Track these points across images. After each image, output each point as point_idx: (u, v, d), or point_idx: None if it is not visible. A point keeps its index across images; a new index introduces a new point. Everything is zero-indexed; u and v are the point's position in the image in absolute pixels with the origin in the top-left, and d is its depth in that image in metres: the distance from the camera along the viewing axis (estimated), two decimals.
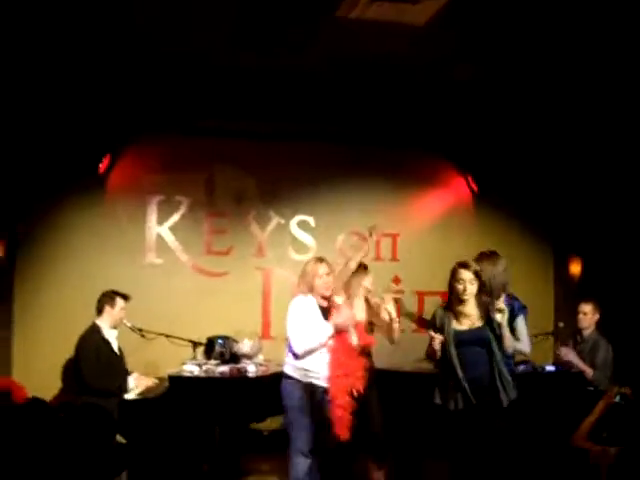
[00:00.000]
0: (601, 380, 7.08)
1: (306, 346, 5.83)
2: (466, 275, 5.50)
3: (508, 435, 5.28)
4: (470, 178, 9.62)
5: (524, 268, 9.59)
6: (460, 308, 5.55)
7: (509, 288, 6.13)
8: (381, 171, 9.28)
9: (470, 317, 5.55)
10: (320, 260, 6.10)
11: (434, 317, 5.65)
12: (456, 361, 5.40)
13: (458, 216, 9.65)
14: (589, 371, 7.07)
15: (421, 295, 9.08)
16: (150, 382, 6.96)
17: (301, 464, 5.81)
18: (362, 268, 6.46)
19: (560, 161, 9.35)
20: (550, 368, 7.42)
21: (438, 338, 5.39)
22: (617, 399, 5.28)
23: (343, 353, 5.94)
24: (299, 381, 5.86)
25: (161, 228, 8.90)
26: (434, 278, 8.06)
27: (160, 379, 6.96)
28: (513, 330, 5.85)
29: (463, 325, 5.54)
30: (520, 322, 6.04)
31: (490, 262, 6.01)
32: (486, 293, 5.67)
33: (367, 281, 6.44)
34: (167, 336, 7.44)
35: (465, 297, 5.50)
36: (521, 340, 5.99)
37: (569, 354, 7.22)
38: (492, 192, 9.57)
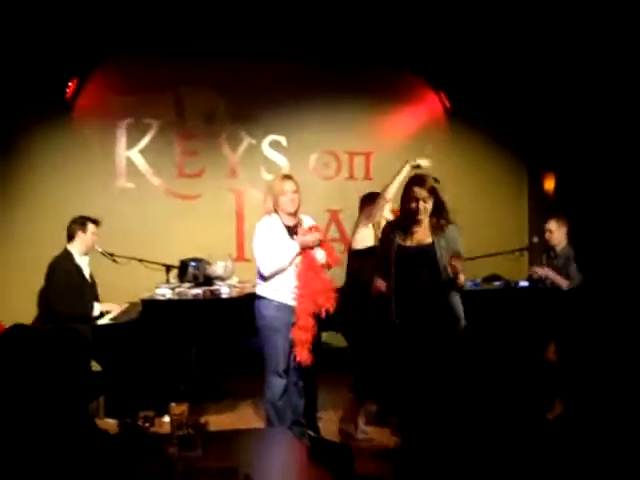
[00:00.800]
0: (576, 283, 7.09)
1: (272, 266, 5.77)
2: (420, 193, 5.12)
3: (459, 360, 5.07)
4: (443, 95, 9.56)
5: (498, 185, 9.65)
6: (412, 228, 5.18)
7: None
8: (353, 89, 9.19)
9: (419, 235, 5.18)
10: (286, 177, 6.01)
11: (383, 234, 5.44)
12: (398, 281, 5.14)
13: (432, 133, 9.54)
14: (564, 283, 7.07)
15: (396, 213, 9.04)
16: (117, 307, 6.95)
17: (276, 384, 5.80)
18: (382, 198, 6.33)
19: (534, 76, 9.26)
20: (524, 284, 7.46)
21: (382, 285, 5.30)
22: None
23: (310, 271, 5.87)
24: (271, 301, 5.81)
25: (131, 152, 8.82)
26: None
27: (133, 304, 6.92)
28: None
29: (410, 242, 5.19)
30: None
31: None
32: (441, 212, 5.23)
33: (386, 210, 6.32)
34: (140, 260, 7.41)
35: (419, 217, 5.12)
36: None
37: (543, 270, 7.22)
38: (466, 108, 9.53)
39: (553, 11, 7.73)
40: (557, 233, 7.29)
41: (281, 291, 5.78)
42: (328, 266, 6.01)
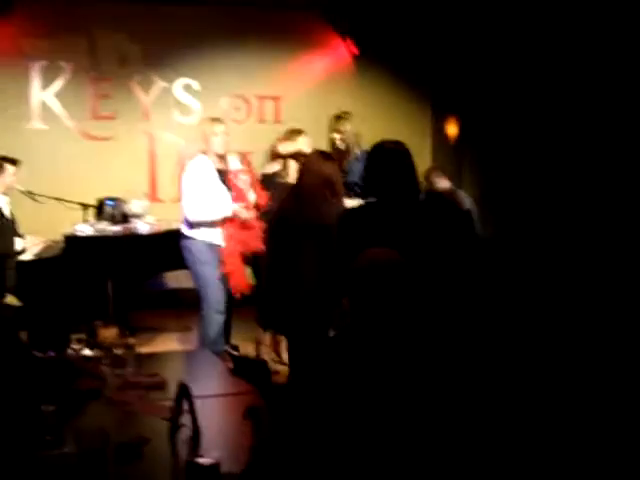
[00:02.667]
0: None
1: (200, 217, 5.93)
2: None
3: None
4: (350, 40, 9.82)
5: (403, 128, 9.93)
6: None
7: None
8: (263, 33, 9.39)
9: None
10: (216, 119, 6.17)
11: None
12: None
13: (339, 78, 9.88)
14: None
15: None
16: (39, 243, 7.11)
17: (217, 320, 5.95)
18: (297, 133, 6.60)
19: (438, 20, 9.60)
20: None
21: None
22: None
23: (237, 228, 6.08)
24: (199, 240, 5.98)
25: (45, 94, 8.91)
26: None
27: (54, 241, 7.06)
28: None
29: None
30: None
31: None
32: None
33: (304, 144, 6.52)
34: (57, 199, 7.50)
35: None
36: None
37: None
38: (372, 53, 9.80)
39: None
40: (439, 185, 7.57)
41: (209, 231, 5.96)
42: (257, 207, 6.21)
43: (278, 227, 4.98)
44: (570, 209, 7.35)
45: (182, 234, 6.08)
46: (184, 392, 2.91)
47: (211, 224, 5.98)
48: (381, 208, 3.96)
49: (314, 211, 4.70)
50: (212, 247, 6.01)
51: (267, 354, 6.50)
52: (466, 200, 7.61)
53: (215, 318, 5.96)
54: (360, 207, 4.35)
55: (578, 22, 7.27)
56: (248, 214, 6.10)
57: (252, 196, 6.22)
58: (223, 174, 6.08)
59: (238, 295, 6.15)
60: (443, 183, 7.46)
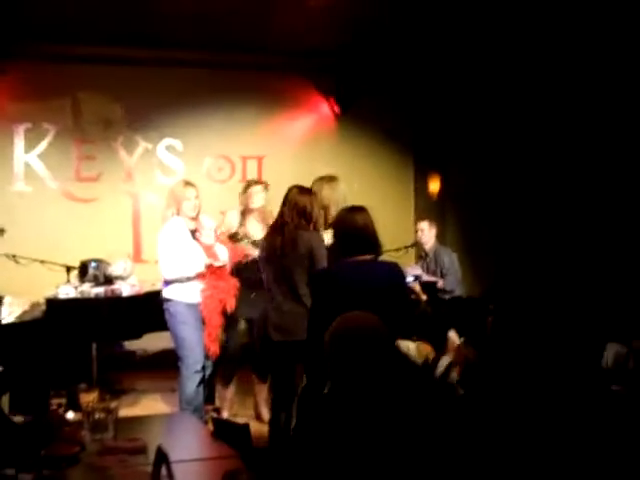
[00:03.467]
0: (453, 284, 7.65)
1: (176, 274, 5.97)
2: None
3: None
4: (332, 99, 9.93)
5: (386, 185, 10.08)
6: None
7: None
8: (246, 94, 9.50)
9: None
10: (188, 183, 6.22)
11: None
12: None
13: (322, 136, 10.00)
14: (440, 280, 7.63)
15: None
16: (24, 304, 7.07)
17: (194, 380, 5.94)
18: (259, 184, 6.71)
19: (422, 78, 9.76)
20: (409, 279, 7.93)
21: None
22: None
23: (214, 277, 6.16)
24: (179, 302, 6.00)
25: (29, 156, 8.96)
26: None
27: (35, 304, 7.02)
28: None
29: None
30: None
31: (330, 187, 5.68)
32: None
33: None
34: (41, 261, 7.50)
35: None
36: None
37: (415, 269, 7.75)
38: (355, 112, 9.92)
39: (440, 11, 7.91)
40: (427, 232, 7.88)
41: (188, 292, 6.01)
42: (233, 264, 6.36)
43: (268, 260, 5.30)
44: (555, 264, 7.41)
45: (163, 297, 6.11)
46: (162, 457, 2.88)
47: (187, 281, 6.01)
48: None
49: (295, 239, 5.12)
50: (191, 307, 6.03)
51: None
52: (450, 256, 7.72)
53: (192, 378, 5.94)
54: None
55: (557, 72, 7.40)
56: (221, 263, 6.18)
57: (222, 250, 6.27)
58: (194, 235, 6.14)
59: (212, 356, 6.18)
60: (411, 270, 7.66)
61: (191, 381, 5.95)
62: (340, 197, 5.57)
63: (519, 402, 3.30)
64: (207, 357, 6.13)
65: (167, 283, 6.06)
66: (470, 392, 3.80)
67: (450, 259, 7.78)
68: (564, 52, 7.28)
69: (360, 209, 4.71)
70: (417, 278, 7.63)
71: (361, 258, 4.47)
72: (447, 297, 7.59)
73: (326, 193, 5.59)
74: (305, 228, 5.18)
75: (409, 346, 4.36)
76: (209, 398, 6.47)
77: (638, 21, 6.35)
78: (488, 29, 7.96)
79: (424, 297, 7.29)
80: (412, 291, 6.61)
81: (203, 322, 6.08)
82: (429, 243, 7.93)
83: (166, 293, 6.07)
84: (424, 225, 7.96)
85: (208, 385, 6.31)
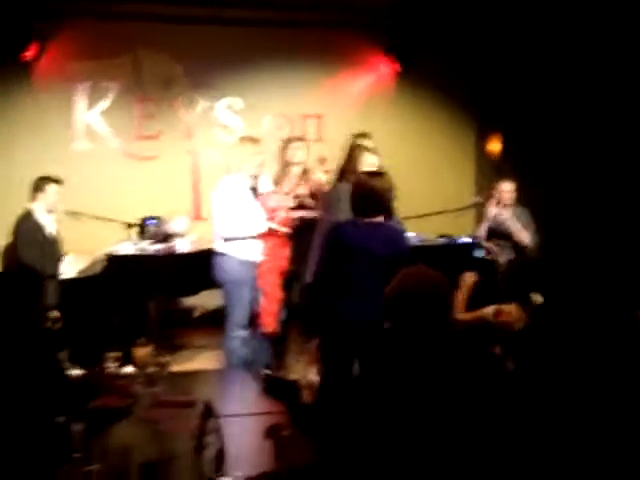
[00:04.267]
0: (532, 240, 7.36)
1: (232, 232, 5.97)
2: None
3: None
4: (393, 57, 9.83)
5: (446, 145, 9.99)
6: None
7: None
8: (305, 52, 9.45)
9: None
10: (252, 140, 6.23)
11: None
12: None
13: (383, 95, 9.90)
14: (525, 234, 7.31)
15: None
16: (85, 260, 7.18)
17: (238, 336, 6.00)
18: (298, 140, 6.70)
19: (484, 37, 9.59)
20: (466, 240, 7.84)
21: None
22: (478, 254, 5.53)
23: (271, 241, 6.18)
24: (232, 257, 5.99)
25: (90, 114, 9.04)
26: None
27: (96, 260, 7.10)
28: None
29: None
30: None
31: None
32: None
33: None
34: (102, 218, 7.61)
35: None
36: None
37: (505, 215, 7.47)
38: (415, 70, 9.78)
39: None
40: (513, 193, 7.51)
41: (243, 248, 5.99)
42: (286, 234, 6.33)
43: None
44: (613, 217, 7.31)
45: (216, 252, 6.11)
46: (208, 411, 2.92)
47: (246, 240, 6.02)
48: None
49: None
50: (246, 265, 6.04)
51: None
52: (527, 212, 7.44)
53: (232, 337, 6.02)
54: None
55: (617, 46, 7.25)
56: (284, 229, 6.20)
57: (282, 215, 6.27)
58: (255, 192, 6.12)
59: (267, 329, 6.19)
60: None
61: (230, 339, 6.02)
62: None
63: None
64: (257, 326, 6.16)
65: (223, 239, 6.05)
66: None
67: (528, 215, 7.44)
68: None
69: (378, 174, 4.92)
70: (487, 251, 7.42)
71: (368, 220, 4.73)
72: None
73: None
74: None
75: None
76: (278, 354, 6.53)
77: None
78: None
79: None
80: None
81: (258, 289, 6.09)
82: (511, 204, 7.56)
83: (219, 247, 6.06)
84: (509, 186, 7.55)
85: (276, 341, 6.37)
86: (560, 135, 8.35)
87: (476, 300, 4.75)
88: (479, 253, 6.87)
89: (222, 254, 6.04)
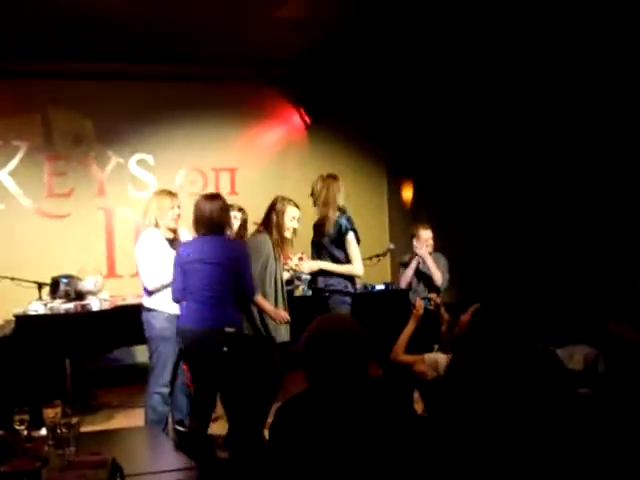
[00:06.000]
0: (446, 284, 7.44)
1: (157, 282, 5.86)
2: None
3: None
4: (302, 110, 9.97)
5: (360, 194, 10.08)
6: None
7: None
8: (216, 106, 9.59)
9: None
10: (172, 193, 6.17)
11: None
12: None
13: (294, 147, 10.06)
14: (438, 274, 7.38)
15: None
16: None
17: (160, 393, 5.89)
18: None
19: (392, 86, 9.82)
20: (380, 287, 7.93)
21: None
22: (426, 305, 5.62)
23: None
24: (160, 312, 5.89)
25: (0, 173, 8.95)
26: None
27: (5, 322, 7.03)
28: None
29: None
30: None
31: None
32: None
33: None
34: (12, 279, 7.48)
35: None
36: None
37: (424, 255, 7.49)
38: (326, 122, 9.97)
39: (408, 20, 7.96)
40: (430, 240, 7.56)
41: (169, 303, 5.83)
42: None
43: None
44: (524, 268, 7.46)
45: (144, 307, 6.01)
46: (116, 470, 2.90)
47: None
48: None
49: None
50: (172, 319, 5.86)
51: None
52: (444, 258, 7.52)
53: (160, 392, 5.89)
54: None
55: (525, 77, 7.47)
56: None
57: None
58: (173, 245, 6.03)
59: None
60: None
61: (151, 396, 5.90)
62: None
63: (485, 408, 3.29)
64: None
65: (148, 293, 5.96)
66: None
67: (445, 262, 7.50)
68: (531, 57, 7.34)
69: (215, 196, 5.66)
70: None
71: (203, 237, 5.47)
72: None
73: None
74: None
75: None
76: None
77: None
78: (457, 36, 8.01)
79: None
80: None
81: None
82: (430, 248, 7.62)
83: (147, 303, 5.97)
84: (427, 233, 7.50)
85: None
86: (470, 181, 8.52)
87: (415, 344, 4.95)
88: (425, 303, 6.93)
89: (149, 309, 5.96)
